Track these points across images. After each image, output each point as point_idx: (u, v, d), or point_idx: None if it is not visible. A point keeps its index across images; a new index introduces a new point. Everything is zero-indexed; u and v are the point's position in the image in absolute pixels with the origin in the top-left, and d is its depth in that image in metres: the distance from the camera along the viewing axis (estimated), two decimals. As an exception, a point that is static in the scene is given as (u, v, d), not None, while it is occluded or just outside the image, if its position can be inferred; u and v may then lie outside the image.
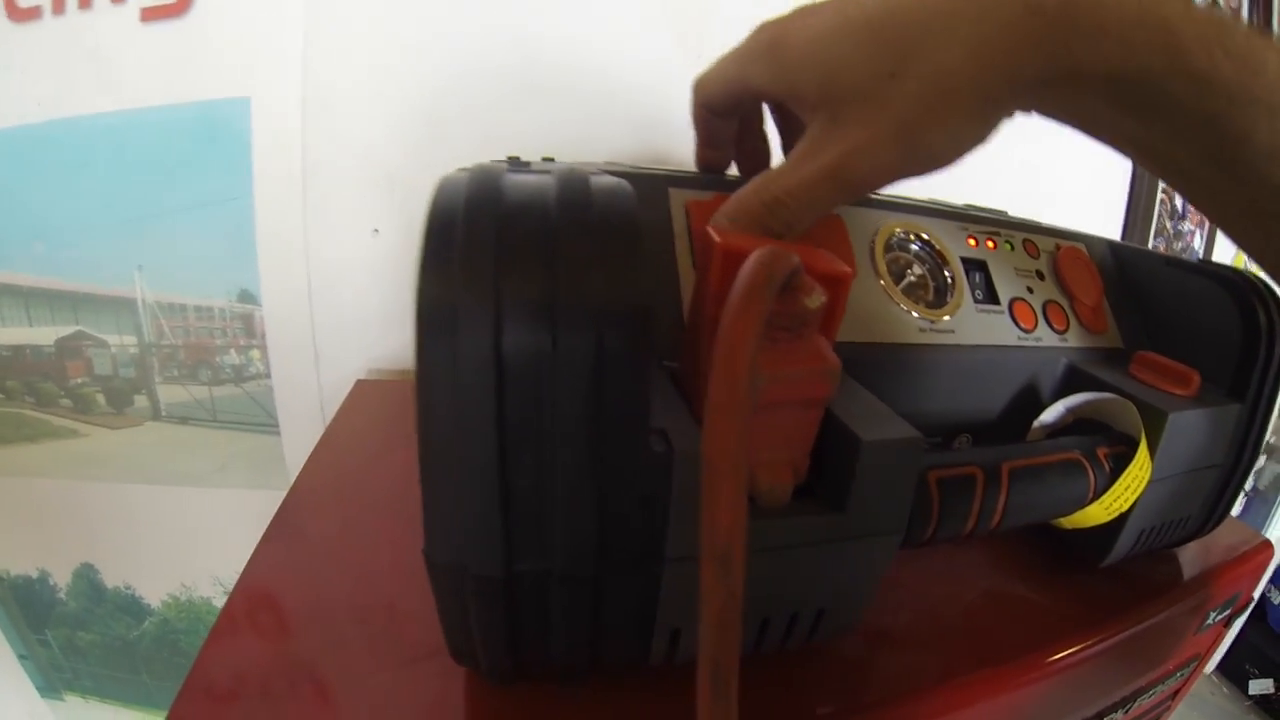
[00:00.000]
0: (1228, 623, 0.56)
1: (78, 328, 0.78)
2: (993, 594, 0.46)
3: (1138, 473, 0.40)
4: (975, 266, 0.45)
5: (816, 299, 0.23)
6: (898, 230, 0.43)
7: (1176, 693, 0.59)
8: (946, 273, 0.43)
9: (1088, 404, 0.44)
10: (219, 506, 0.83)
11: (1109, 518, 0.41)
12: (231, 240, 0.73)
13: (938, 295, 0.42)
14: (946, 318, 0.42)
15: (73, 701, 1.10)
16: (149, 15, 0.70)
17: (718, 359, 0.18)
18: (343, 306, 0.77)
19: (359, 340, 0.79)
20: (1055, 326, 0.46)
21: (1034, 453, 0.37)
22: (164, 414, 0.80)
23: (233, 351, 0.77)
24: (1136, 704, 0.52)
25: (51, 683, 1.10)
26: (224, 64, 0.69)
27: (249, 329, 0.76)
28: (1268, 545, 0.56)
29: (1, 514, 0.92)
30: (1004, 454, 0.36)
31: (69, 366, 0.80)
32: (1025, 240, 0.48)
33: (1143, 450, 0.40)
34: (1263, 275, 0.39)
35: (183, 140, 0.71)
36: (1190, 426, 0.42)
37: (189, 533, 0.85)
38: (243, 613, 0.36)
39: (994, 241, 0.47)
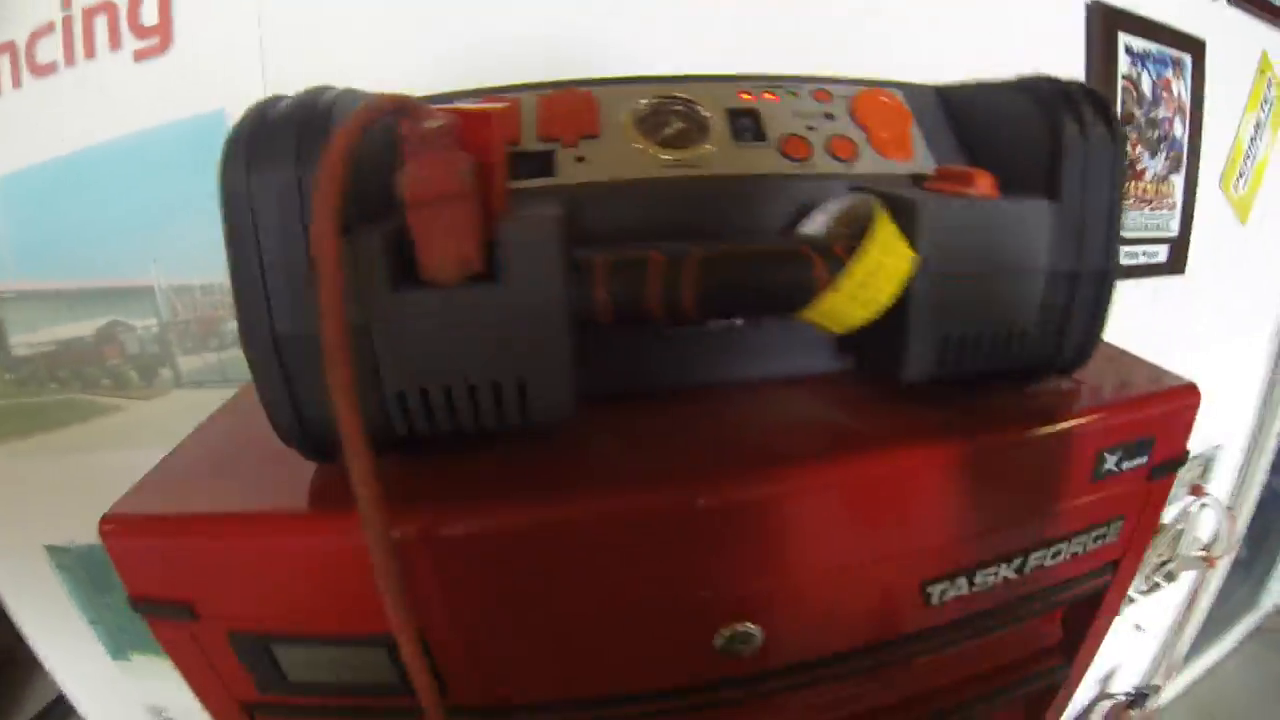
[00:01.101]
0: (1150, 475, 0.51)
1: (111, 318, 0.96)
2: (804, 421, 0.49)
3: (879, 257, 0.40)
4: (744, 115, 0.51)
5: (434, 122, 0.34)
6: (655, 98, 0.51)
7: (1116, 563, 0.55)
8: (705, 121, 0.51)
9: (841, 210, 0.46)
10: None
11: (866, 312, 0.41)
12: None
13: (692, 140, 0.50)
14: (696, 154, 0.48)
15: (139, 660, 1.27)
16: (140, 55, 0.87)
17: (322, 162, 0.32)
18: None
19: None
20: (839, 156, 0.50)
21: (743, 245, 0.42)
22: (184, 381, 0.97)
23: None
24: (1037, 561, 0.50)
25: (119, 645, 1.27)
26: (201, 85, 0.86)
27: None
28: (1192, 390, 0.50)
29: (65, 490, 1.09)
30: (703, 246, 0.41)
31: (105, 351, 0.97)
32: (815, 90, 0.53)
33: (881, 234, 0.40)
34: (1079, 80, 0.44)
35: (178, 149, 0.88)
36: (963, 218, 0.42)
37: None
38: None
39: (775, 94, 0.53)
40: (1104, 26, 1.17)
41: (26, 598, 1.29)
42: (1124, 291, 0.46)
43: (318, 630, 0.44)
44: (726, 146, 0.50)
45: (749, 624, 0.45)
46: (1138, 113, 1.25)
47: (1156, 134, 1.28)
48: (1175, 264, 1.37)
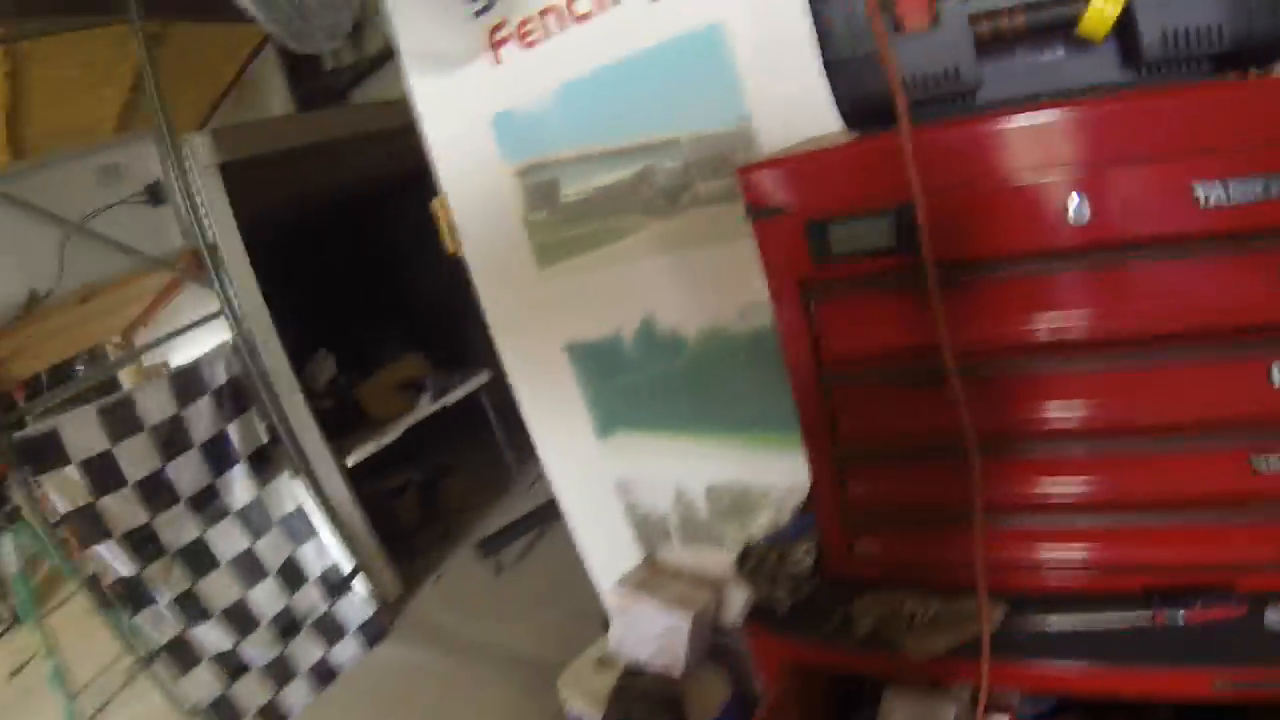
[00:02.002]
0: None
1: (646, 163, 1.43)
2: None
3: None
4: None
5: None
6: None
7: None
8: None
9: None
10: (739, 254, 1.25)
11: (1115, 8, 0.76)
12: (723, 90, 1.30)
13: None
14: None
15: (620, 437, 1.77)
16: None
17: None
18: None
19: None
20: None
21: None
22: (701, 201, 1.40)
23: (739, 153, 1.33)
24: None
25: (606, 424, 1.78)
26: (698, 11, 1.28)
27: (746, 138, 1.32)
28: None
29: (595, 297, 1.61)
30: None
31: (640, 187, 1.45)
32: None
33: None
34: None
35: (687, 53, 1.32)
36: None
37: (717, 276, 1.43)
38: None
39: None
40: None
41: (539, 390, 1.87)
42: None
43: (854, 210, 0.77)
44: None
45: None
46: None
47: None
48: None
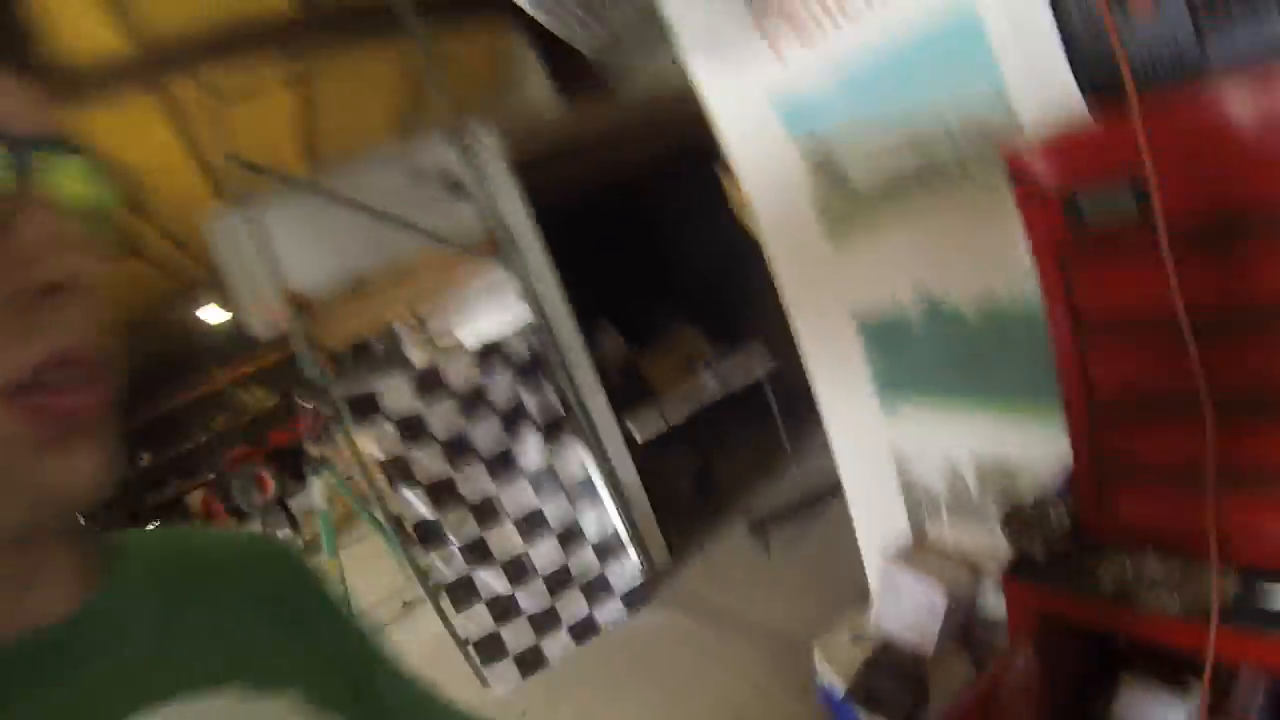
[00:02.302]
0: None
1: (922, 145, 1.41)
2: None
3: None
4: None
5: None
6: None
7: None
8: None
9: None
10: (1009, 228, 1.24)
11: None
12: (985, 76, 1.26)
13: None
14: None
15: (900, 410, 1.76)
16: None
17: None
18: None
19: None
20: None
21: None
22: (972, 179, 1.38)
23: (1002, 134, 1.28)
24: None
25: (889, 396, 1.78)
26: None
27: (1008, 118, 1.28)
28: None
29: (881, 272, 1.61)
30: None
31: (917, 167, 1.43)
32: None
33: None
34: None
35: (954, 43, 1.30)
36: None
37: (988, 250, 1.39)
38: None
39: None
40: None
41: (829, 363, 1.90)
42: None
43: (1104, 179, 0.83)
44: None
45: None
46: None
47: None
48: None
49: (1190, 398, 0.88)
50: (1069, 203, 0.97)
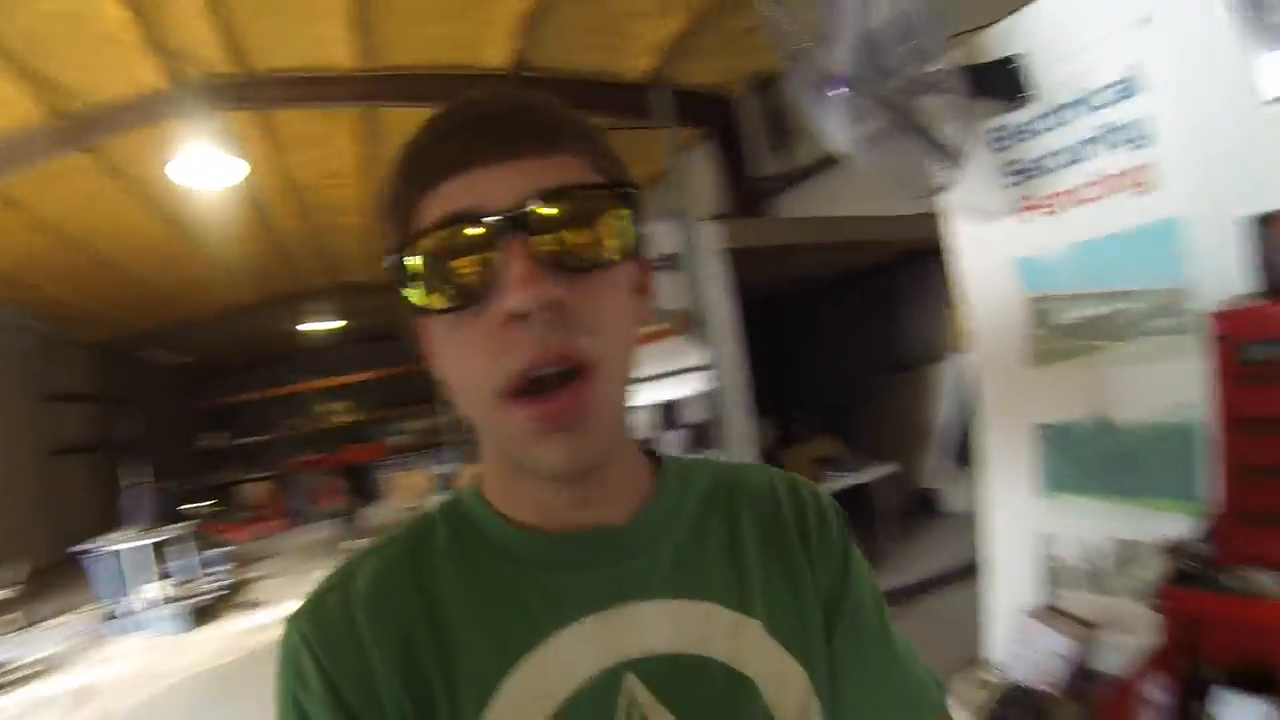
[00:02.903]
0: None
1: (1117, 306, 2.08)
2: None
3: None
4: None
5: None
6: None
7: None
8: None
9: None
10: (1172, 369, 1.98)
11: None
12: (1171, 262, 1.92)
13: None
14: None
15: (1058, 498, 2.32)
16: (1137, 190, 1.99)
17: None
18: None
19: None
20: None
21: None
22: (1149, 332, 2.02)
23: (1179, 304, 1.94)
24: None
25: (1050, 486, 2.31)
26: (1168, 204, 1.92)
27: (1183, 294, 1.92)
28: None
29: (1068, 392, 2.23)
30: None
31: (1111, 318, 2.10)
32: None
33: None
34: None
35: (1157, 231, 1.95)
36: None
37: (1154, 383, 2.03)
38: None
39: None
40: None
41: (1003, 458, 2.49)
42: None
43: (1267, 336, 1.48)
44: None
45: None
46: None
47: None
48: None
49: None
50: (1241, 348, 1.57)
